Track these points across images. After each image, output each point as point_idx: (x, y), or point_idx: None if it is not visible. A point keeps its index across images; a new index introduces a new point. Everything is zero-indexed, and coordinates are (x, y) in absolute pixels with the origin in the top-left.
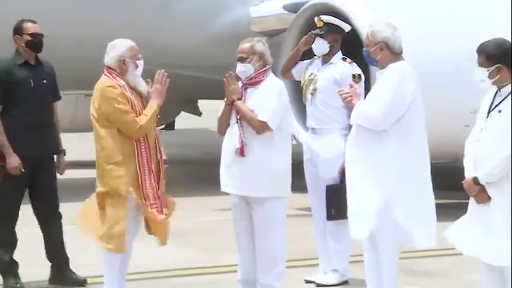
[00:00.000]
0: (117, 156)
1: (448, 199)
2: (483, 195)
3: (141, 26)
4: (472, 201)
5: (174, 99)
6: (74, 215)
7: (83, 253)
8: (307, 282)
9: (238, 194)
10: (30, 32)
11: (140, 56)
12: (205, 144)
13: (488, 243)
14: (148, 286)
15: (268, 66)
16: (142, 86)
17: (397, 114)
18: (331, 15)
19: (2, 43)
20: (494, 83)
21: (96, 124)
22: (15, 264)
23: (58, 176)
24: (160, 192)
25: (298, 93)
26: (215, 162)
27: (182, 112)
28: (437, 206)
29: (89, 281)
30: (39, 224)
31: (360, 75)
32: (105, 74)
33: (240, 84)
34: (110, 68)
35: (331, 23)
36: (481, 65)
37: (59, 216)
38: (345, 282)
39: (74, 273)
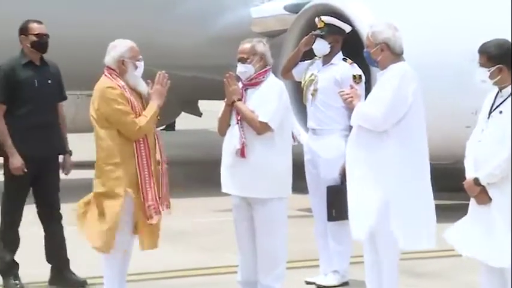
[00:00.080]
0: (116, 157)
1: (449, 200)
2: (484, 196)
3: (141, 26)
4: (472, 202)
5: (175, 100)
6: (74, 216)
7: (83, 254)
8: (308, 283)
9: (239, 195)
10: (36, 33)
11: (140, 57)
12: (206, 144)
13: (488, 244)
14: (148, 287)
15: (268, 67)
16: (143, 87)
17: (397, 115)
18: (331, 16)
19: (2, 43)
20: (495, 84)
21: (96, 125)
22: (16, 265)
23: (63, 176)
24: (162, 192)
25: (298, 94)
26: (216, 163)
27: (182, 113)
28: (438, 207)
29: (89, 282)
30: (42, 224)
31: (360, 76)
32: (105, 75)
33: (240, 84)
34: (110, 68)
35: (332, 24)
36: (482, 65)
37: (59, 217)
38: (346, 284)
39: (74, 274)
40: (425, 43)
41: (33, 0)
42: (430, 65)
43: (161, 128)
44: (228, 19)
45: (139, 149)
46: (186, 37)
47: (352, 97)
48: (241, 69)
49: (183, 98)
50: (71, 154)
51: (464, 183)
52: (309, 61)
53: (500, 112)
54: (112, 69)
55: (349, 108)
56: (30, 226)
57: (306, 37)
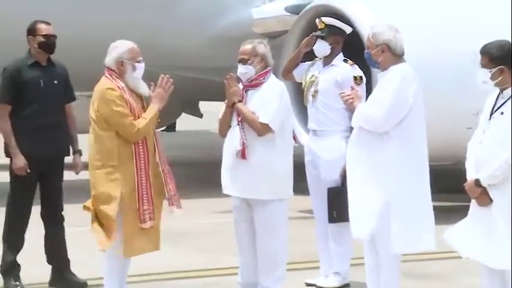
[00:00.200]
0: (114, 159)
1: (449, 202)
2: (485, 198)
3: (142, 27)
4: (473, 204)
5: (175, 101)
6: (76, 217)
7: (84, 255)
8: (308, 285)
9: (239, 196)
10: (43, 33)
11: (140, 58)
12: (206, 146)
13: (489, 246)
14: None
15: (269, 68)
16: (143, 89)
17: (398, 116)
18: (332, 17)
19: (3, 43)
20: (496, 85)
21: (95, 126)
22: (17, 266)
23: (68, 177)
24: (168, 194)
25: (299, 95)
26: (216, 164)
27: (183, 114)
28: (438, 208)
29: (89, 283)
30: (44, 224)
31: (361, 77)
32: (106, 76)
33: (240, 86)
34: (110, 69)
35: (333, 25)
36: (483, 66)
37: (62, 219)
38: (346, 285)
39: (74, 275)
40: (426, 44)
41: (34, 0)
42: (430, 66)
43: (162, 129)
44: (229, 20)
45: (137, 151)
46: (186, 38)
47: (352, 98)
48: (242, 70)
49: (183, 99)
50: (81, 154)
51: (465, 184)
52: (310, 62)
53: (502, 113)
54: (112, 70)
55: (350, 109)
56: (31, 227)
57: (307, 38)
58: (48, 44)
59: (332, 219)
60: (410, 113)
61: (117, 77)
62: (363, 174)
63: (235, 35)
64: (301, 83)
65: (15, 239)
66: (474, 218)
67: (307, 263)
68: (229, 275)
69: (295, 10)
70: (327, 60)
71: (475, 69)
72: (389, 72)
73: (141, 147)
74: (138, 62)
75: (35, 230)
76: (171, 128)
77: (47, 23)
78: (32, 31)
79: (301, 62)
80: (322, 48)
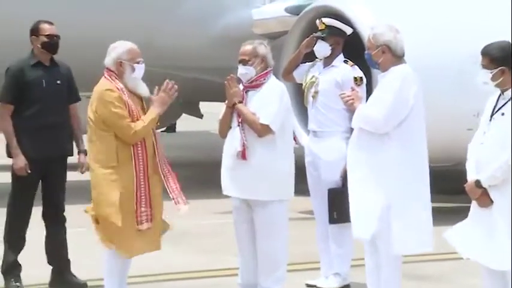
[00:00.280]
0: (113, 160)
1: (450, 203)
2: (485, 199)
3: (142, 27)
4: (474, 205)
5: (175, 102)
6: (76, 218)
7: (84, 256)
8: (309, 286)
9: (239, 197)
10: (46, 33)
11: (140, 59)
12: (207, 146)
13: (489, 247)
14: None
15: (269, 69)
16: (142, 90)
17: (398, 117)
18: (332, 18)
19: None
20: (497, 86)
21: (94, 127)
22: (18, 267)
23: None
24: (173, 194)
25: (299, 96)
26: (216, 165)
27: (183, 114)
28: (439, 210)
29: (89, 284)
30: (45, 225)
31: (361, 78)
32: (105, 76)
33: (241, 86)
34: (109, 70)
35: (333, 26)
36: (484, 67)
37: (63, 219)
38: (347, 286)
39: (74, 276)
40: (427, 45)
41: (35, 1)
42: (431, 67)
43: (162, 129)
44: (229, 21)
45: (136, 153)
46: (187, 38)
47: (353, 99)
48: (242, 71)
49: (184, 99)
50: (86, 154)
51: (465, 185)
52: (310, 63)
53: (503, 114)
54: (111, 71)
55: (350, 110)
56: (32, 228)
57: (307, 39)
58: (51, 44)
59: (332, 220)
60: (410, 114)
61: (116, 78)
62: (363, 175)
63: (236, 35)
64: (301, 84)
65: (16, 239)
66: (475, 219)
67: (308, 264)
68: (229, 276)
69: (295, 11)
70: (327, 61)
71: (475, 71)
72: (390, 73)
73: (139, 148)
74: (138, 62)
75: (36, 230)
76: (171, 128)
77: (50, 23)
78: (35, 31)
79: (302, 62)
80: (322, 49)
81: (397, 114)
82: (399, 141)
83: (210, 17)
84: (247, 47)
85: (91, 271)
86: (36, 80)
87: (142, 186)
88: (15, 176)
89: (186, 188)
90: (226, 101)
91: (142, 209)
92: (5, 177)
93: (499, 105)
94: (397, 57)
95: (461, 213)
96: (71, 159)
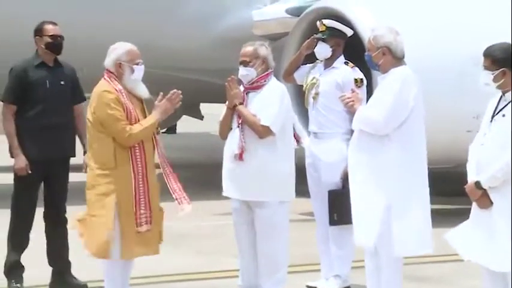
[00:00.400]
0: (111, 162)
1: (450, 205)
2: (485, 200)
3: (143, 28)
4: (474, 206)
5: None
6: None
7: (84, 258)
8: (309, 287)
9: (239, 198)
10: (50, 34)
11: (139, 60)
12: (207, 148)
13: (490, 248)
14: None
15: (270, 70)
16: (142, 91)
17: (399, 119)
18: (333, 20)
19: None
20: (498, 87)
21: (92, 128)
22: (21, 268)
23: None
24: (175, 194)
25: (300, 98)
26: (217, 166)
27: (184, 116)
28: (439, 211)
29: (89, 285)
30: (45, 226)
31: (362, 79)
32: (104, 78)
33: (241, 88)
34: (109, 71)
35: (334, 27)
36: (486, 68)
37: (64, 221)
38: None
39: (75, 278)
40: (427, 47)
41: (35, 2)
42: (431, 69)
43: (162, 131)
44: (230, 22)
45: (134, 155)
46: (187, 39)
47: (353, 101)
48: (243, 72)
49: (184, 100)
50: None
51: (465, 186)
52: (311, 64)
53: (503, 115)
54: (111, 73)
55: (351, 112)
56: (33, 229)
57: (308, 40)
58: (55, 45)
59: (333, 221)
60: (410, 115)
61: (115, 79)
62: (364, 177)
63: (236, 36)
64: (302, 86)
65: (19, 240)
66: (475, 221)
67: (308, 266)
68: (229, 278)
69: (296, 12)
70: (328, 62)
71: (475, 72)
72: (390, 75)
73: (137, 150)
74: (137, 64)
75: (38, 231)
76: (171, 129)
77: (54, 24)
78: (39, 32)
79: (302, 64)
80: (323, 50)
81: (397, 116)
82: (399, 142)
83: (210, 18)
84: (248, 49)
85: (91, 272)
86: (40, 80)
87: (141, 188)
88: (17, 177)
89: (186, 189)
90: (227, 103)
91: (142, 211)
92: (10, 179)
93: (500, 107)
94: (397, 59)
95: (461, 215)
96: (73, 160)
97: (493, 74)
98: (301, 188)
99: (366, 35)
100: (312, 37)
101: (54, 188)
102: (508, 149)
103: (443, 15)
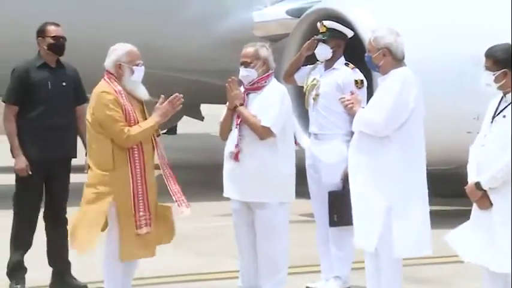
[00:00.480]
0: (109, 164)
1: (450, 206)
2: (485, 201)
3: (143, 29)
4: (475, 207)
5: None
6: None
7: (84, 259)
8: None
9: (240, 199)
10: (52, 35)
11: (139, 62)
12: (208, 149)
13: (490, 249)
14: None
15: (270, 72)
16: (141, 93)
17: (399, 120)
18: (333, 21)
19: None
20: (499, 88)
21: (91, 129)
22: (23, 269)
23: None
24: (175, 197)
25: (300, 99)
26: (217, 167)
27: (184, 116)
28: (439, 213)
29: (89, 286)
30: (46, 226)
31: (362, 80)
32: (104, 79)
33: (242, 89)
34: (109, 72)
35: (334, 29)
36: (487, 68)
37: (64, 221)
38: None
39: (75, 279)
40: (427, 47)
41: (35, 2)
42: (431, 70)
43: (163, 132)
44: (230, 23)
45: (132, 157)
46: (187, 40)
47: (352, 103)
48: (243, 73)
49: (185, 101)
50: None
51: (466, 187)
52: (311, 66)
53: (504, 116)
54: (111, 74)
55: (350, 114)
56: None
57: (308, 42)
58: (57, 46)
59: (333, 223)
60: (411, 117)
61: (115, 80)
62: (364, 178)
63: (236, 38)
64: (302, 87)
65: (21, 241)
66: (475, 222)
67: (308, 267)
68: (229, 279)
69: (296, 13)
70: (328, 63)
71: (476, 73)
72: (390, 76)
73: (136, 152)
74: (137, 65)
75: (38, 232)
76: (172, 130)
77: (57, 25)
78: (41, 33)
79: (303, 65)
80: (323, 51)
81: (398, 117)
82: (399, 144)
83: (211, 19)
84: (249, 49)
85: (91, 274)
86: (42, 81)
87: (140, 190)
88: (18, 178)
89: (187, 190)
90: (227, 104)
91: (141, 213)
92: (13, 179)
93: (500, 108)
94: (398, 61)
95: (461, 217)
96: (75, 161)
97: (494, 74)
98: (301, 189)
99: (366, 36)
100: (313, 38)
101: (55, 189)
102: (508, 150)
103: (444, 16)
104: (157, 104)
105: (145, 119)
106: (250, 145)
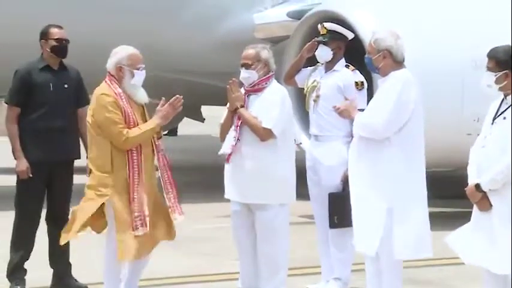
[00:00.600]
0: (107, 166)
1: (450, 208)
2: (485, 202)
3: (145, 31)
4: (475, 209)
5: None
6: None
7: (85, 260)
8: None
9: (240, 201)
10: (56, 37)
11: (141, 65)
12: (208, 150)
13: (490, 251)
14: None
15: (271, 73)
16: (140, 98)
17: (399, 122)
18: (334, 23)
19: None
20: (500, 89)
21: (91, 130)
22: (23, 270)
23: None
24: (170, 201)
25: (301, 100)
26: (218, 169)
27: (185, 118)
28: (439, 215)
29: None
30: (47, 227)
31: (362, 82)
32: (105, 81)
33: (242, 90)
34: (110, 74)
35: (335, 31)
36: (489, 69)
37: (66, 223)
38: None
39: (75, 280)
40: (428, 50)
41: (36, 3)
42: (431, 72)
43: (164, 133)
44: (231, 25)
45: (131, 158)
46: (189, 42)
47: (345, 110)
48: (244, 75)
49: (185, 103)
50: None
51: (466, 189)
52: (312, 67)
53: (504, 118)
54: (112, 76)
55: (349, 119)
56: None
57: (309, 43)
58: (60, 48)
59: (333, 224)
60: (411, 119)
61: (115, 83)
62: (364, 180)
63: (237, 40)
64: (303, 88)
65: (21, 243)
66: (475, 224)
67: (308, 269)
68: (229, 280)
69: (297, 15)
70: (329, 65)
71: (476, 75)
72: (390, 78)
73: (134, 154)
74: (138, 69)
75: (39, 233)
76: (172, 132)
77: (60, 27)
78: (44, 35)
79: (303, 67)
80: (324, 53)
81: (398, 119)
82: (400, 146)
83: (212, 21)
84: (250, 51)
85: (92, 275)
86: (44, 83)
87: (137, 191)
88: (19, 179)
89: (187, 191)
90: (228, 105)
91: (136, 214)
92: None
93: (501, 110)
94: (398, 63)
95: (462, 218)
96: (77, 162)
97: (495, 75)
98: (301, 191)
99: (366, 38)
100: (313, 40)
101: (57, 190)
102: (508, 152)
103: (444, 18)
104: (158, 106)
105: (146, 121)
106: (250, 147)
